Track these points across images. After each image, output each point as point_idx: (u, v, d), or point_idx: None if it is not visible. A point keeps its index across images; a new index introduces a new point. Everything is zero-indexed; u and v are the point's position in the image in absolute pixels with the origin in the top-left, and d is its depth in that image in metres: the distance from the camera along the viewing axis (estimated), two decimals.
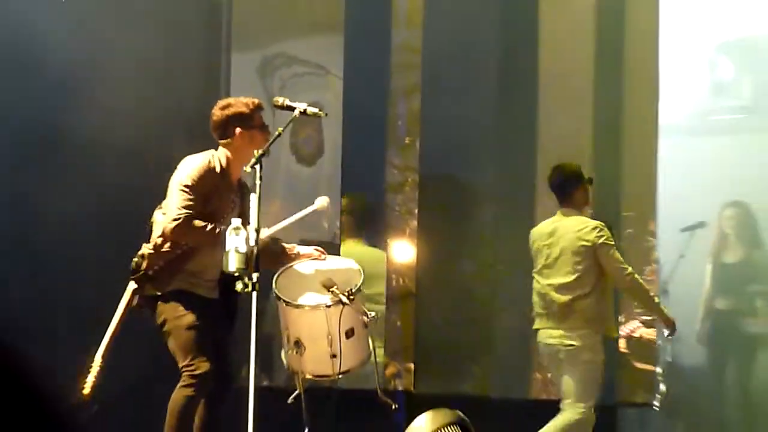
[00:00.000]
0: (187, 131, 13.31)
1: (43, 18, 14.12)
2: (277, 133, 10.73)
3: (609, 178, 15.24)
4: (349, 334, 10.93)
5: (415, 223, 14.67)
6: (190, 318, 10.89)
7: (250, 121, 11.07)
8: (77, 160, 13.72)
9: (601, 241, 13.07)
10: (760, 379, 17.42)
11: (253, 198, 10.43)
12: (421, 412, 10.90)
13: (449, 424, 11.02)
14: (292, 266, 11.35)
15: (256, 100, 11.31)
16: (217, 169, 11.11)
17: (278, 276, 11.21)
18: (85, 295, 12.86)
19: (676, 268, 16.71)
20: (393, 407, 11.38)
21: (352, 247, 14.44)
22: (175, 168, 11.21)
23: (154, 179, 11.67)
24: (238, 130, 11.01)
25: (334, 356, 10.90)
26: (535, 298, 13.52)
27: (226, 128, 11.07)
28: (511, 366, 14.98)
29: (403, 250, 14.71)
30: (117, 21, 14.00)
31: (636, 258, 15.00)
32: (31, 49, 14.18)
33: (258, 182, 10.39)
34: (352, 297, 10.86)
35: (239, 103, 11.21)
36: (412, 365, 14.51)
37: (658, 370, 15.96)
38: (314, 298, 10.97)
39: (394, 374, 14.46)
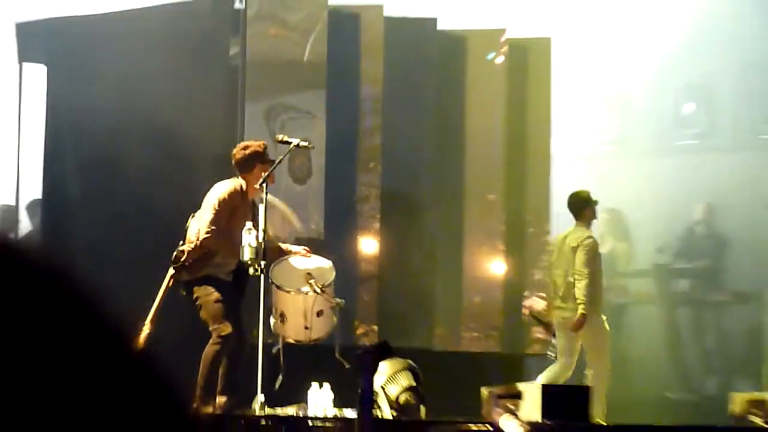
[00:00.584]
0: (213, 162, 15.02)
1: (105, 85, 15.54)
2: (278, 160, 13.33)
3: (515, 193, 17.67)
4: (320, 314, 13.28)
5: (377, 224, 16.63)
6: (216, 295, 12.99)
7: (264, 158, 13.22)
8: (136, 185, 15.31)
9: (580, 244, 15.42)
10: (624, 333, 19.98)
11: (261, 208, 13.07)
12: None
13: (403, 369, 13.50)
14: (285, 259, 13.55)
15: (264, 143, 13.54)
16: (240, 193, 13.16)
17: (274, 266, 13.34)
18: (140, 276, 13.82)
19: None
20: (346, 366, 13.15)
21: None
22: (205, 190, 13.29)
23: (185, 198, 13.87)
24: (256, 165, 13.14)
25: (307, 328, 13.32)
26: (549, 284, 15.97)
27: (246, 164, 13.23)
28: (448, 327, 17.33)
29: (369, 245, 16.60)
30: (164, 81, 15.55)
31: (534, 247, 17.74)
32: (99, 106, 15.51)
33: (264, 196, 13.01)
34: (324, 289, 13.17)
35: (254, 145, 13.39)
36: (375, 327, 16.42)
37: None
38: (298, 285, 13.30)
39: (363, 333, 16.35)
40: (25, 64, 16.17)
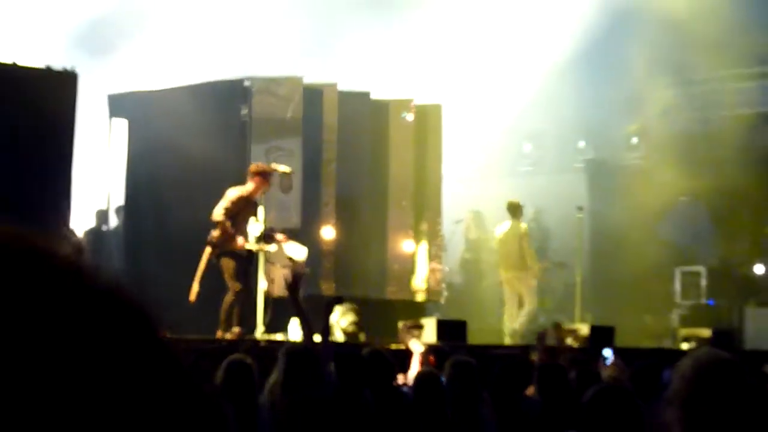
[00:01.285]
0: (228, 182, 13.72)
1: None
2: (271, 180, 13.26)
3: (419, 201, 17.50)
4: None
5: (334, 220, 16.32)
6: (233, 263, 12.78)
7: (265, 174, 13.08)
8: (184, 201, 14.80)
9: (524, 231, 15.87)
10: (487, 288, 19.83)
11: (261, 208, 12.99)
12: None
13: (350, 311, 13.67)
14: (275, 243, 13.23)
15: (268, 166, 13.36)
16: (246, 195, 12.92)
17: (267, 248, 13.12)
18: (178, 249, 14.12)
19: (450, 239, 19.18)
20: (303, 305, 12.97)
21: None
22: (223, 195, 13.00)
23: (210, 206, 13.10)
24: (259, 178, 12.98)
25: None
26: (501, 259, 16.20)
27: (255, 176, 13.02)
28: (378, 284, 17.15)
29: (329, 232, 16.25)
30: (201, 132, 15.00)
31: (431, 235, 17.57)
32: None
33: (263, 199, 13.04)
34: (298, 263, 13.04)
35: (263, 166, 13.29)
36: (333, 284, 16.14)
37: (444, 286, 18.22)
38: (283, 262, 13.17)
39: (326, 288, 15.93)
40: (113, 120, 15.97)
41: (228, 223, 12.72)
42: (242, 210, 12.92)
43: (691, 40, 18.96)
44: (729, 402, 3.24)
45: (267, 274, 13.21)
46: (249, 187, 13.00)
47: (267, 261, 13.21)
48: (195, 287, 12.72)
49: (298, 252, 13.42)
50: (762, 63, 20.47)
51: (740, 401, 3.26)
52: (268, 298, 13.11)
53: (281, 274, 12.83)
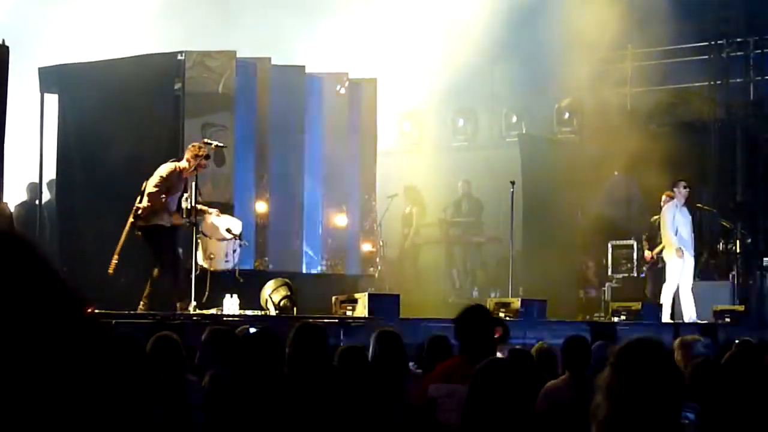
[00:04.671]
0: (161, 156, 13.81)
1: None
2: (208, 153, 13.17)
3: (354, 175, 17.60)
4: (234, 251, 13.40)
5: (267, 194, 16.48)
6: (159, 238, 12.75)
7: (198, 156, 12.95)
8: (115, 173, 14.53)
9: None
10: (420, 262, 20.18)
11: (192, 185, 13.01)
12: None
13: (282, 285, 13.69)
14: (208, 218, 13.31)
15: (200, 145, 13.16)
16: (179, 171, 12.92)
17: (202, 223, 13.25)
18: (111, 223, 13.50)
19: (383, 214, 18.71)
20: (241, 281, 13.50)
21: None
22: (156, 170, 12.98)
23: (145, 179, 13.06)
24: (194, 162, 12.92)
25: (227, 261, 13.36)
26: None
27: (194, 158, 12.95)
28: (313, 258, 17.08)
29: (261, 206, 16.37)
30: (133, 107, 15.00)
31: (365, 209, 17.73)
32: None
33: (195, 176, 13.00)
34: (237, 236, 13.36)
35: (196, 147, 13.08)
36: (266, 258, 16.28)
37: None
38: (220, 235, 13.27)
39: (258, 263, 16.10)
40: (45, 95, 15.67)
41: (158, 198, 12.72)
42: (173, 185, 12.93)
43: (621, 14, 19.24)
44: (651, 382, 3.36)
45: (204, 248, 13.22)
46: (183, 164, 12.95)
47: (202, 235, 13.20)
48: (114, 259, 12.68)
49: (233, 225, 13.44)
50: (689, 40, 20.86)
51: (662, 383, 3.38)
52: (205, 273, 13.13)
53: (218, 248, 13.12)
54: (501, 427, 4.08)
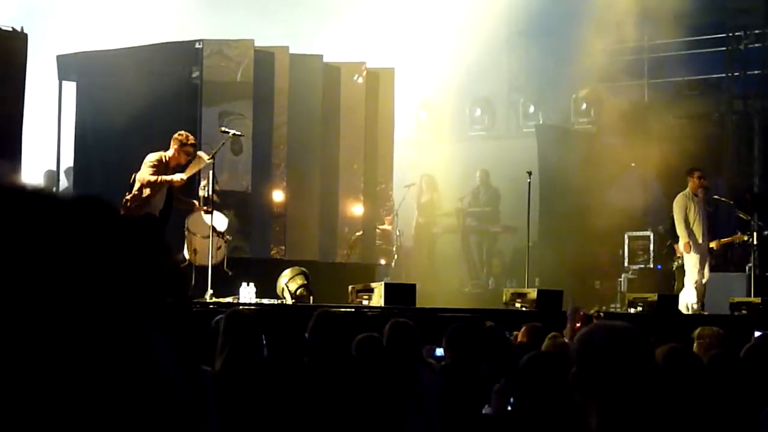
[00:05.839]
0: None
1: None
2: (223, 142, 13.29)
3: (371, 164, 17.47)
4: (219, 248, 13.16)
5: (285, 183, 16.38)
6: (148, 227, 13.48)
7: (182, 144, 12.68)
8: (131, 159, 13.42)
9: None
10: (437, 252, 20.15)
11: (210, 173, 12.92)
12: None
13: (299, 274, 13.54)
14: (196, 214, 13.25)
15: (187, 135, 12.78)
16: (164, 160, 12.64)
17: (188, 219, 13.23)
18: None
19: (401, 203, 18.42)
20: (229, 274, 13.33)
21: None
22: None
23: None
24: (177, 147, 12.66)
25: (210, 257, 12.69)
26: None
27: (175, 142, 12.71)
28: (328, 247, 17.12)
29: (279, 195, 16.28)
30: (152, 94, 14.96)
31: (382, 198, 17.67)
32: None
33: (213, 164, 12.95)
34: (223, 233, 13.36)
35: (183, 135, 12.76)
36: (283, 247, 16.21)
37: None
38: (205, 232, 13.04)
39: (275, 252, 16.09)
40: (63, 83, 15.74)
41: (155, 184, 12.62)
42: (161, 175, 12.80)
43: (638, 5, 19.28)
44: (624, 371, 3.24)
45: (189, 243, 13.20)
46: (169, 153, 12.78)
47: (188, 231, 13.19)
48: None
49: (218, 222, 13.37)
50: (707, 32, 20.84)
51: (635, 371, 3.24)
52: (190, 268, 13.06)
53: (202, 244, 13.00)
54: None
